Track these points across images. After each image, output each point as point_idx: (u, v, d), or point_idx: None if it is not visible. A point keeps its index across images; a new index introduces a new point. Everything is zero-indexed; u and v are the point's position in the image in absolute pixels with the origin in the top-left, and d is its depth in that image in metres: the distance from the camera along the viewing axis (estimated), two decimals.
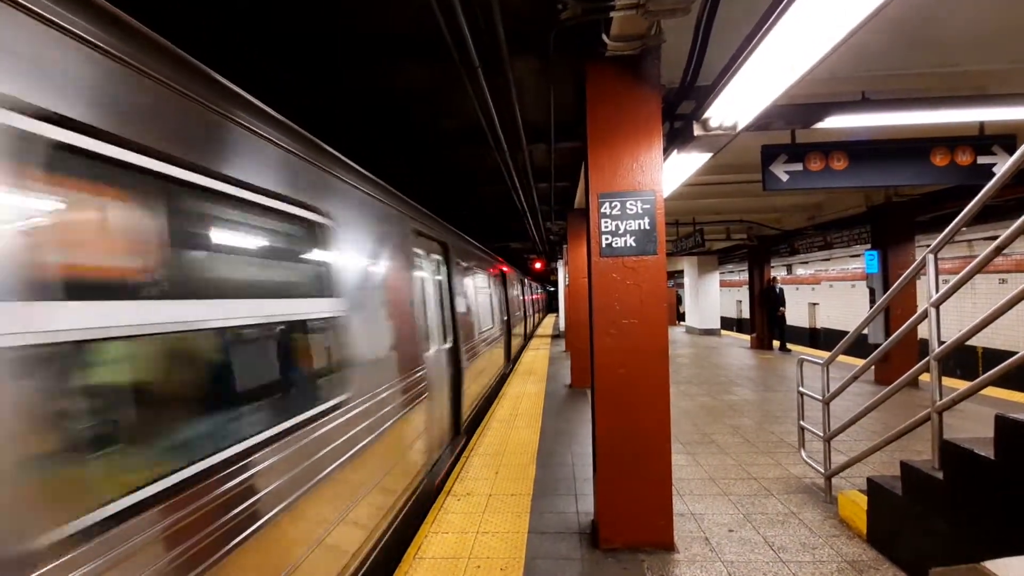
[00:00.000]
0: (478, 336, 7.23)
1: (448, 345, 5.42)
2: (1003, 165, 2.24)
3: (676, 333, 17.45)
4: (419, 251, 4.56)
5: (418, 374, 3.89)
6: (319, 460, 2.27)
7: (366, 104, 4.78)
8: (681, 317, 21.41)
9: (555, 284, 24.84)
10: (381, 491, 3.03)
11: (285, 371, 2.25)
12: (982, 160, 4.58)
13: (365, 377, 2.88)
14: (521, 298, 16.63)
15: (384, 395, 3.13)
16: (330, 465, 2.37)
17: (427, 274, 4.88)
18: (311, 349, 2.45)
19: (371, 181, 3.43)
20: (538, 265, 18.88)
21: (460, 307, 6.08)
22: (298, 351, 2.36)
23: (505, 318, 11.12)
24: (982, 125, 4.62)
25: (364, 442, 2.76)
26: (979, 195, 2.44)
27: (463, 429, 5.66)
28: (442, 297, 5.45)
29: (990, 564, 2.07)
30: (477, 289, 7.89)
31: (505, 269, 12.38)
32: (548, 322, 28.44)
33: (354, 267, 2.95)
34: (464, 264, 6.82)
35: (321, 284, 2.57)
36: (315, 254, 2.57)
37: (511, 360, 11.67)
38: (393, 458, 3.28)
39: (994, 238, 2.29)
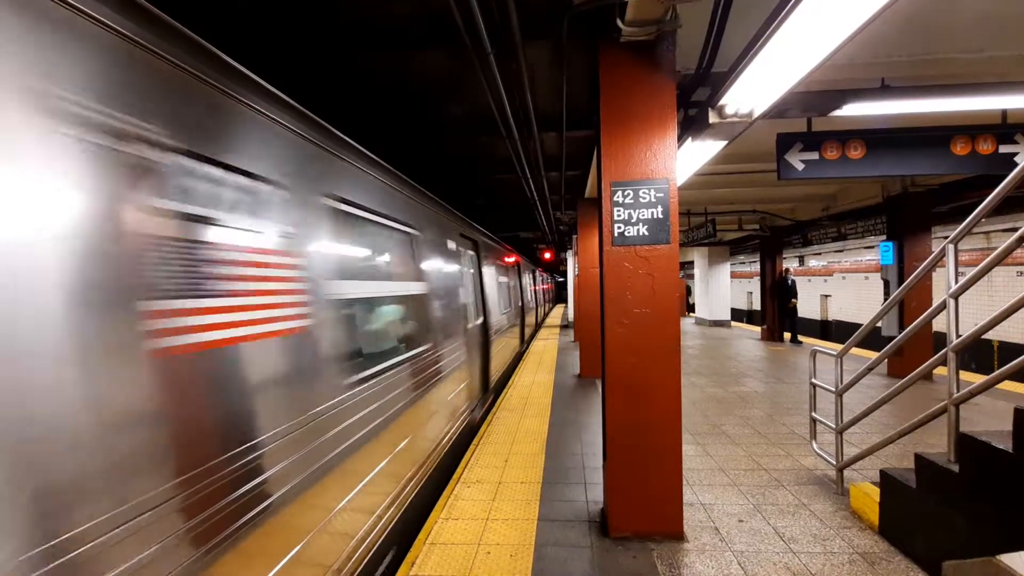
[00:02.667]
0: (528, 304, 14.58)
1: (518, 305, 11.60)
2: None
3: (686, 324, 17.36)
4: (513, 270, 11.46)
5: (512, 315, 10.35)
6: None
7: (372, 93, 4.75)
8: (691, 308, 21.31)
9: (564, 274, 24.92)
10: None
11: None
12: (1004, 149, 4.47)
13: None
14: (541, 287, 23.67)
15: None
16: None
17: (528, 280, 13.65)
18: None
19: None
20: (547, 255, 18.83)
21: (527, 294, 13.19)
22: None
23: (532, 302, 17.51)
24: (1004, 113, 4.51)
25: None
26: (1001, 184, 2.39)
27: (525, 340, 12.54)
28: (518, 288, 12.12)
29: (1005, 558, 2.05)
30: (533, 283, 16.85)
31: (535, 269, 19.48)
32: (557, 312, 28.48)
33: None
34: (527, 273, 14.46)
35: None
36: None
37: (538, 325, 18.97)
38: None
39: (1013, 229, 2.24)
